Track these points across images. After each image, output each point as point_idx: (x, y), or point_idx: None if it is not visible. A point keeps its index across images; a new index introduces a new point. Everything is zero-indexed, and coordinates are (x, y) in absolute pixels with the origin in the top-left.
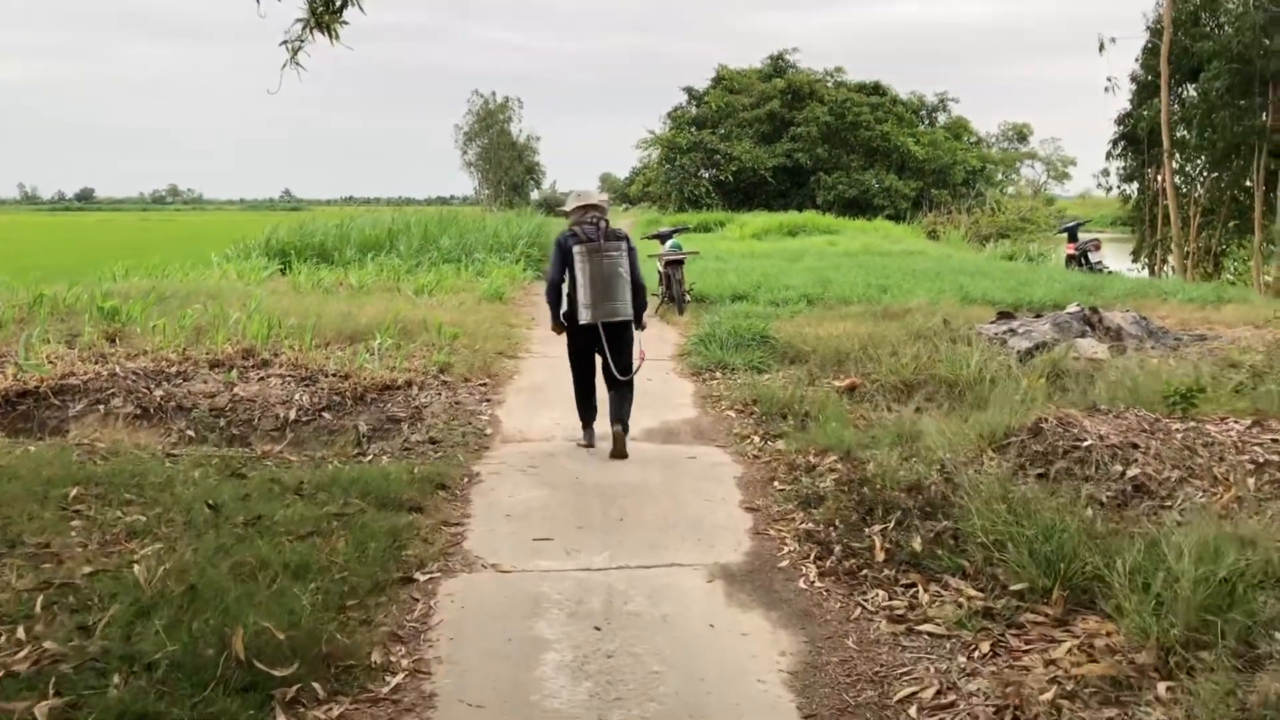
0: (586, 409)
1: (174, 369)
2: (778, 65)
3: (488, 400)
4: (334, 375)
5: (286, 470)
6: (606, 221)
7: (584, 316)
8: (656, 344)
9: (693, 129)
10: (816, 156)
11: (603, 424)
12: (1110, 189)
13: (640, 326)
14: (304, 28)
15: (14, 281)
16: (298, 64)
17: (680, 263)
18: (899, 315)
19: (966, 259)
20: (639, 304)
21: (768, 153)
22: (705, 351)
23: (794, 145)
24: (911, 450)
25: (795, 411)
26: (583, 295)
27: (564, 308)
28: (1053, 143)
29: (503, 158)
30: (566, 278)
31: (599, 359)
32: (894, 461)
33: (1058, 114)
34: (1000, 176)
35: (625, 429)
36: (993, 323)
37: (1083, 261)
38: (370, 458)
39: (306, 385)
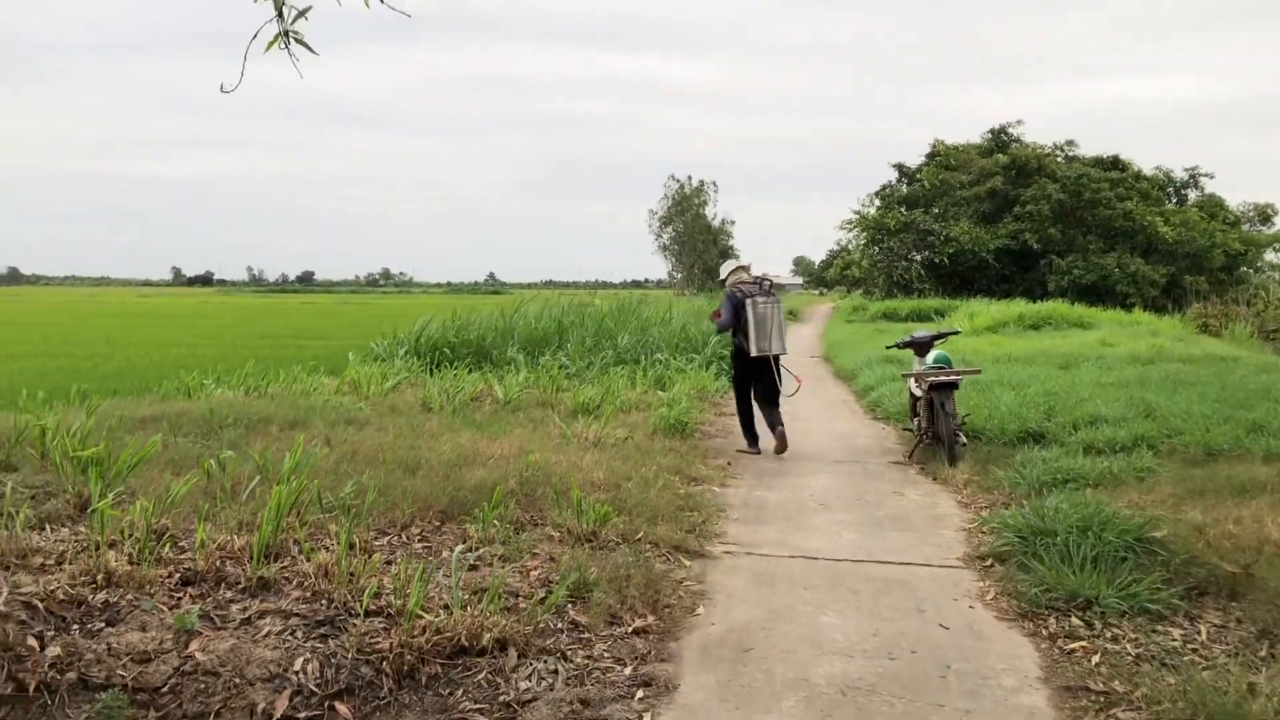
0: (752, 431)
1: (102, 596)
2: (999, 140)
3: (647, 683)
4: (375, 614)
5: None
6: (768, 280)
7: (754, 350)
8: (928, 526)
9: (903, 208)
10: (1047, 237)
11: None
12: None
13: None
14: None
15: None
16: (300, 42)
17: (953, 387)
18: None
19: None
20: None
21: (989, 233)
22: (1040, 564)
23: (1020, 225)
24: None
25: None
26: (753, 335)
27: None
28: None
29: (697, 241)
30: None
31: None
32: None
33: None
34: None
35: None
36: None
37: None
38: None
39: (322, 636)
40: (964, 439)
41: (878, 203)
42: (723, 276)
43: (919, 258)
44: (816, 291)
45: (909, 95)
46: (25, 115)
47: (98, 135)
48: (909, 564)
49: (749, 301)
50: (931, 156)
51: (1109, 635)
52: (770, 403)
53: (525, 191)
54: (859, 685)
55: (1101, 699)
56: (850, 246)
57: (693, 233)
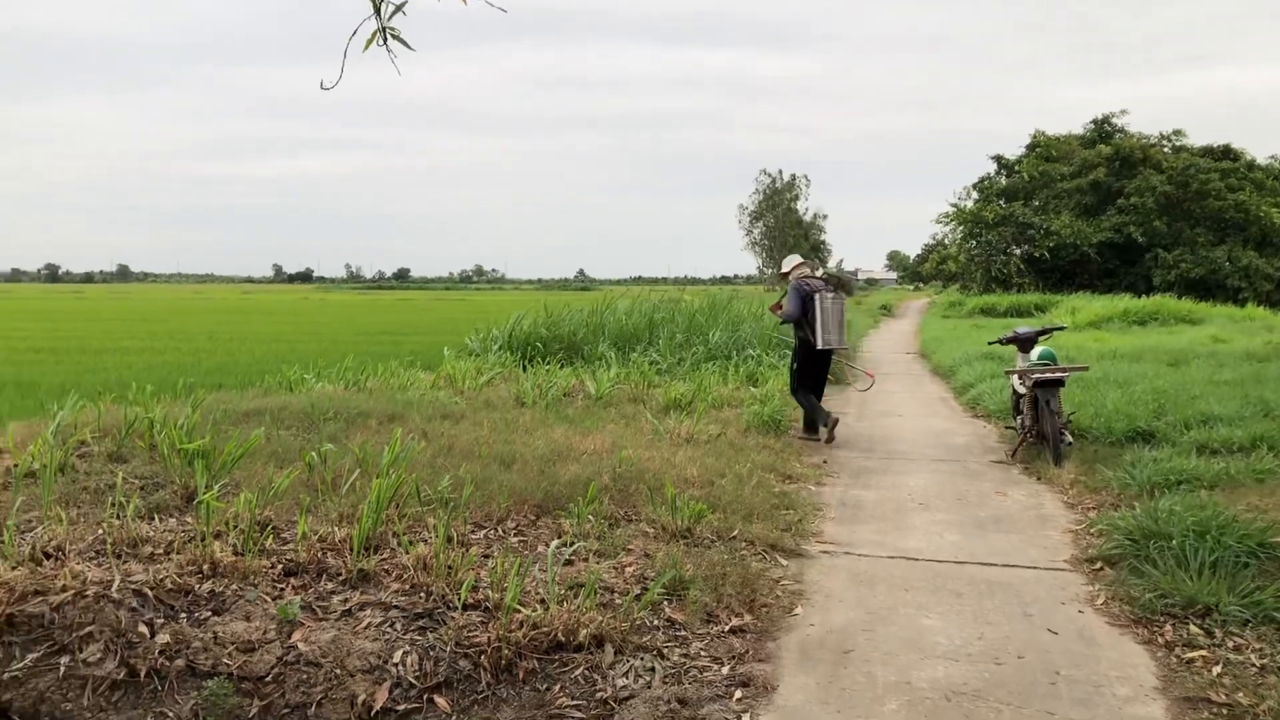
0: (819, 412)
1: (209, 585)
2: (1102, 130)
3: (745, 683)
4: (472, 607)
5: None
6: (835, 277)
7: (820, 343)
8: (1033, 526)
9: (1001, 201)
10: (1152, 230)
11: None
12: None
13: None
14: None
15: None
16: (397, 38)
17: (1059, 384)
18: None
19: None
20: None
21: (1092, 226)
22: (1154, 568)
23: (1124, 218)
24: None
25: None
26: (820, 328)
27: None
28: None
29: (788, 236)
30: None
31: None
32: None
33: None
34: None
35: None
36: None
37: None
38: None
39: (421, 629)
40: (1070, 437)
41: (975, 195)
42: (785, 270)
43: (1018, 251)
44: (911, 286)
45: (1007, 87)
46: (135, 119)
47: (202, 138)
48: (1013, 566)
49: (817, 296)
50: (1031, 148)
51: (1231, 645)
52: (819, 395)
53: (615, 188)
54: (964, 690)
55: (1224, 712)
56: (946, 240)
57: (784, 228)
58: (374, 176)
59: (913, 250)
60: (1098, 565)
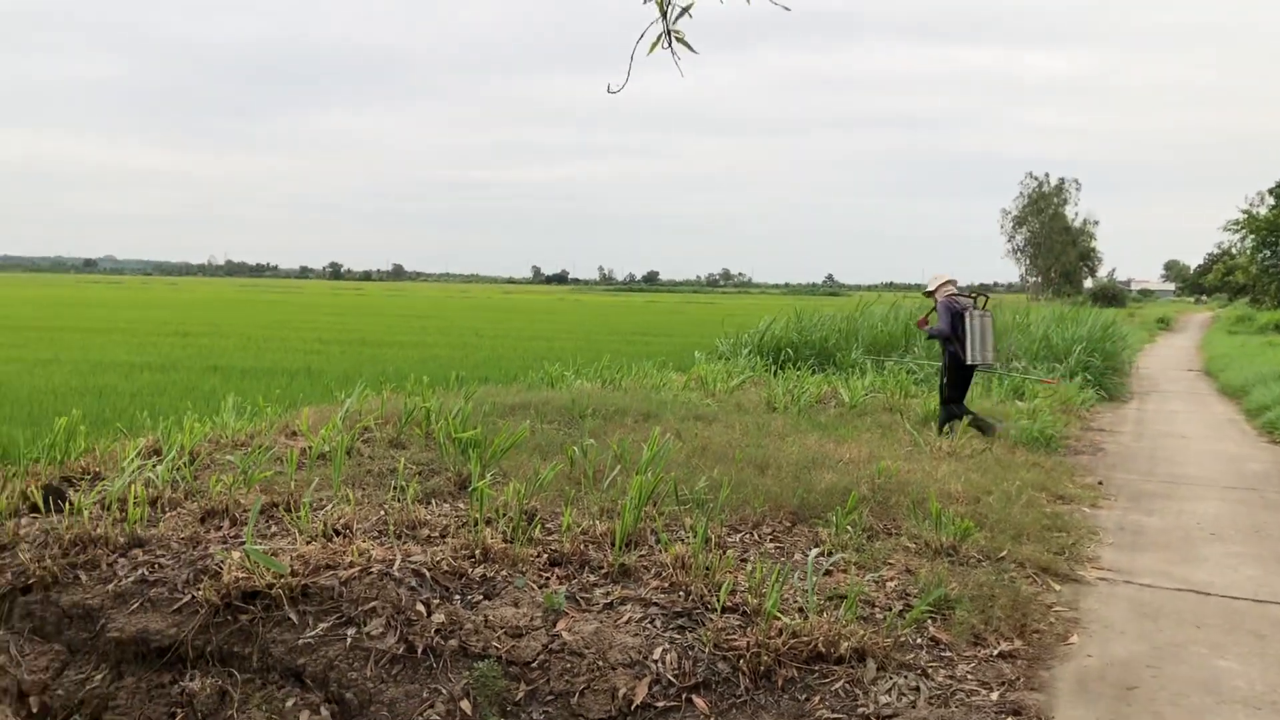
0: (963, 410)
1: (480, 570)
2: None
3: (1016, 711)
4: (730, 610)
5: None
6: (985, 295)
7: (969, 358)
8: None
9: None
10: None
11: None
12: None
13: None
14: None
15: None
16: (681, 40)
17: None
18: None
19: None
20: None
21: None
22: None
23: None
24: None
25: None
26: (971, 343)
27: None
28: None
29: (1055, 243)
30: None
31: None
32: None
33: None
34: None
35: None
36: None
37: None
38: None
39: (680, 628)
40: None
41: (1270, 201)
42: (931, 288)
43: None
44: (1191, 299)
45: None
46: (409, 127)
47: (469, 145)
48: None
49: (967, 314)
50: None
51: None
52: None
53: (866, 191)
54: None
55: None
56: (1234, 250)
57: (1050, 234)
58: (626, 180)
59: (1194, 260)
60: None
